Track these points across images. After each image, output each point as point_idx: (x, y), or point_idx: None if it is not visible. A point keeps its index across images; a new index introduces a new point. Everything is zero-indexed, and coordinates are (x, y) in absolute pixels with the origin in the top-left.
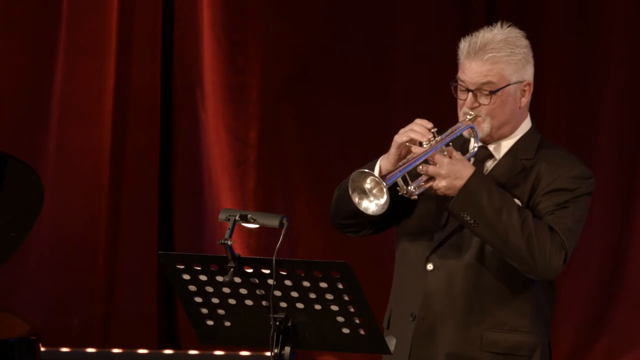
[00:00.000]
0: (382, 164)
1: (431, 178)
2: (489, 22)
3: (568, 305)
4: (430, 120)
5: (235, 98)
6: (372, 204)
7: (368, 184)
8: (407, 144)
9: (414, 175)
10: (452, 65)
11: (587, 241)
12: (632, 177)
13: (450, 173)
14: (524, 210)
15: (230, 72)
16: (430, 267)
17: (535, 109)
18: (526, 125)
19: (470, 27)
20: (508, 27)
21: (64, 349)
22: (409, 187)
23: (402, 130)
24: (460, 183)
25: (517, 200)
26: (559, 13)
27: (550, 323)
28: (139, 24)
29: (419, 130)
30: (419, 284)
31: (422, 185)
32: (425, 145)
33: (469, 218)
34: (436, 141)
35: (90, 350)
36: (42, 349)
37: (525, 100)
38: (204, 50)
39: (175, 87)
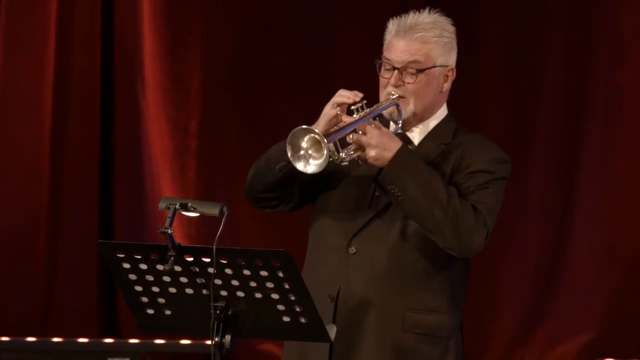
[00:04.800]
0: None
1: (360, 147)
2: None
3: (507, 295)
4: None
5: (175, 87)
6: (310, 163)
7: (305, 142)
8: (338, 113)
9: (343, 144)
10: None
11: (527, 231)
12: (570, 167)
13: (380, 144)
14: (450, 187)
15: (171, 61)
16: (352, 250)
17: (476, 102)
18: (442, 112)
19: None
20: (436, 13)
21: (4, 338)
22: (340, 154)
23: (330, 101)
24: (389, 155)
25: None
26: (497, 7)
27: (464, 304)
28: (79, 13)
29: (346, 94)
30: (339, 267)
31: (351, 154)
32: (355, 116)
33: (396, 190)
34: (365, 113)
35: (31, 339)
36: None
37: (447, 85)
38: (144, 39)
39: (116, 76)
